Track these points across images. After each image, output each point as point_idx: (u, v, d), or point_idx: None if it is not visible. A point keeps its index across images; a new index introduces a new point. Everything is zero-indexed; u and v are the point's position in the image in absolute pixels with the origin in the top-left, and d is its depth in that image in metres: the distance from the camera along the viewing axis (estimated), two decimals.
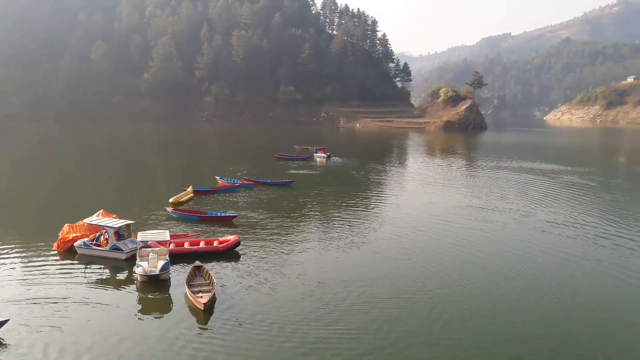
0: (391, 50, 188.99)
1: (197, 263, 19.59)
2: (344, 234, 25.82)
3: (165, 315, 16.43)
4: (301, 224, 28.03)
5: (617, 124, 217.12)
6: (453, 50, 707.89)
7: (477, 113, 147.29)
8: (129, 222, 22.79)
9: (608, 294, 18.78)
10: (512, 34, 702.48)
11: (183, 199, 33.13)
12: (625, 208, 34.79)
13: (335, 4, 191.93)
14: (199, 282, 18.36)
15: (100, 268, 20.52)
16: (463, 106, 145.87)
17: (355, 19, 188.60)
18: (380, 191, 41.19)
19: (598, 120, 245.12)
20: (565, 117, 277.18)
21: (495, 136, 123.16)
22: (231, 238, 22.68)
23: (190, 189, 34.98)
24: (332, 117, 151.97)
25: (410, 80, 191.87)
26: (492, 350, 14.43)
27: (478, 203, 35.04)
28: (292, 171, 48.52)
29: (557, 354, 14.31)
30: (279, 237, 24.84)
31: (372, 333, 15.09)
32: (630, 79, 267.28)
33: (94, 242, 21.96)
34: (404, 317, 16.22)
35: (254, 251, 22.57)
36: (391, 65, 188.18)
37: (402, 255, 22.58)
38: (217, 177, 41.55)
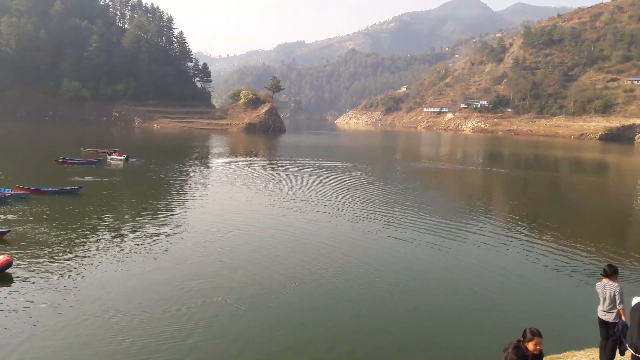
0: (189, 49, 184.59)
1: None
2: (143, 247, 23.03)
3: None
4: (91, 238, 24.43)
5: (394, 127, 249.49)
6: (252, 54, 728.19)
7: (276, 116, 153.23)
8: None
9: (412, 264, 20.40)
10: (306, 42, 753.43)
11: None
12: (402, 197, 40.71)
13: None
14: None
15: None
16: (263, 109, 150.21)
17: (150, 14, 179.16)
18: (184, 194, 39.07)
19: (379, 124, 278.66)
20: (353, 121, 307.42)
21: (294, 138, 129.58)
22: (0, 258, 18.62)
23: None
24: (125, 116, 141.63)
25: (210, 81, 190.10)
26: (305, 350, 14.16)
27: (285, 199, 35.64)
28: (77, 178, 42.90)
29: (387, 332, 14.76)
30: (63, 255, 21.15)
31: None
32: (403, 88, 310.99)
33: None
34: (213, 339, 14.83)
35: (31, 273, 18.75)
36: (190, 64, 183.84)
37: (215, 262, 21.05)
38: None
